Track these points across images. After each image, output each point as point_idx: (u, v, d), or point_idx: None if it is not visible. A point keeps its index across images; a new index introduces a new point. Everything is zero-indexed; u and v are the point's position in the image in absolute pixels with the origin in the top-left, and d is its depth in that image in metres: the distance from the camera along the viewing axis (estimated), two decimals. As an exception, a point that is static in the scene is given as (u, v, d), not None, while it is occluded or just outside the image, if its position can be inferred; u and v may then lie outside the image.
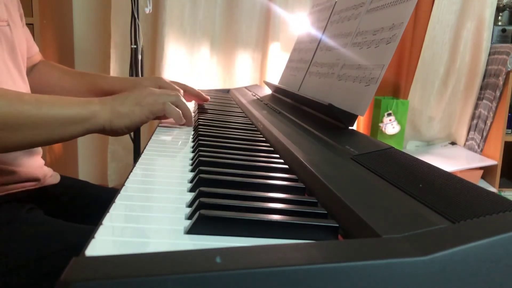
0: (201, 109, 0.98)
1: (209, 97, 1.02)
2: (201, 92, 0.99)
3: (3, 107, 0.58)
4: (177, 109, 0.74)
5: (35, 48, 0.98)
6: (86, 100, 0.66)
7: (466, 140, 2.29)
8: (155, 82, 0.93)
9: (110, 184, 2.04)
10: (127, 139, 1.68)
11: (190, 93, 0.98)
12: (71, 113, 0.64)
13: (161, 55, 1.95)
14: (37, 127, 0.61)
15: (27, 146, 0.65)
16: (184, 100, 0.76)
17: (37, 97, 0.63)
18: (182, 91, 0.88)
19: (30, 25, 1.60)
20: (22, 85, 0.81)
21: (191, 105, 0.80)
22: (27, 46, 0.93)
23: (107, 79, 0.96)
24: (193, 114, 0.82)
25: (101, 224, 0.34)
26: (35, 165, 0.83)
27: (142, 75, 1.58)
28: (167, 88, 0.89)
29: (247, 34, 2.06)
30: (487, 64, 2.16)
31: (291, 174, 0.52)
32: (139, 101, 0.69)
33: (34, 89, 0.93)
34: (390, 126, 2.10)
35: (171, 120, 0.80)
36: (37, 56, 0.99)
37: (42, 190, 0.84)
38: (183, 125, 0.81)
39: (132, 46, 1.53)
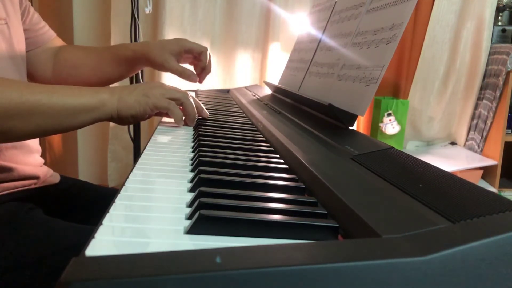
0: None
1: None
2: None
3: (15, 97, 0.59)
4: (180, 111, 0.75)
5: (52, 33, 0.97)
6: (96, 89, 0.68)
7: (466, 140, 2.29)
8: (179, 43, 0.94)
9: (110, 184, 2.04)
10: (127, 139, 1.68)
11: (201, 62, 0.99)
12: (81, 102, 0.65)
13: (161, 55, 1.95)
14: (48, 116, 0.62)
15: (39, 134, 0.66)
16: (191, 100, 0.77)
17: (47, 87, 0.65)
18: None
19: (30, 25, 1.59)
20: None
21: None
22: (41, 32, 0.93)
23: (129, 46, 0.98)
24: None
25: (101, 224, 0.34)
26: (34, 163, 0.83)
27: (142, 75, 1.58)
28: (191, 49, 0.95)
29: (247, 34, 2.06)
30: (487, 64, 2.17)
31: (291, 174, 0.52)
32: (146, 93, 0.70)
33: (60, 74, 0.94)
34: (390, 126, 2.10)
35: (172, 120, 0.80)
36: (56, 41, 0.98)
37: (42, 190, 0.84)
38: (184, 124, 0.81)
39: (132, 46, 1.52)
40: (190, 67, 1.00)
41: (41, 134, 0.66)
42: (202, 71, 0.98)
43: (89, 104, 0.65)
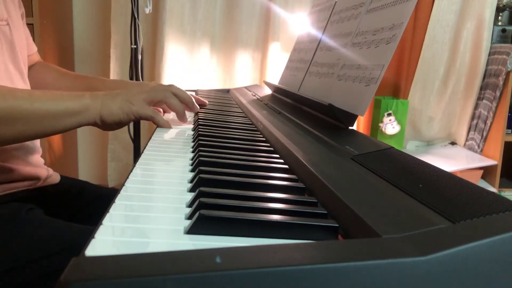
0: (201, 109, 0.98)
1: (207, 102, 1.01)
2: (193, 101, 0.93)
3: None
4: (163, 119, 0.75)
5: (33, 48, 0.98)
6: (78, 94, 0.68)
7: (466, 140, 2.29)
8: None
9: (110, 184, 2.04)
10: (127, 139, 1.68)
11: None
12: (63, 106, 0.65)
13: (161, 55, 1.95)
14: (30, 121, 0.63)
15: (22, 139, 0.66)
16: (174, 98, 0.76)
17: (30, 92, 0.65)
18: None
19: (30, 25, 1.60)
20: (21, 85, 0.81)
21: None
22: (27, 43, 0.93)
23: (105, 82, 0.96)
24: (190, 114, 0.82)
25: (101, 224, 0.34)
26: (34, 164, 0.83)
27: (142, 75, 1.58)
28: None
29: (247, 34, 2.06)
30: (487, 64, 2.16)
31: (291, 174, 0.52)
32: (129, 99, 0.70)
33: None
34: (390, 126, 2.10)
35: (168, 125, 0.78)
36: (35, 56, 0.99)
37: (42, 190, 0.84)
38: (183, 120, 0.80)
39: (132, 46, 1.53)
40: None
41: (24, 139, 0.66)
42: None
43: (71, 109, 0.65)
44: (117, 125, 0.70)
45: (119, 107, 0.69)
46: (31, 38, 0.96)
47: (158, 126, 0.75)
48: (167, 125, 0.76)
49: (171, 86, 0.76)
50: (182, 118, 0.79)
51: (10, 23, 0.79)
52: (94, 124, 0.69)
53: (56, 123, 0.65)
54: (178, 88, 0.77)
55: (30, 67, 0.96)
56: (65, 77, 0.97)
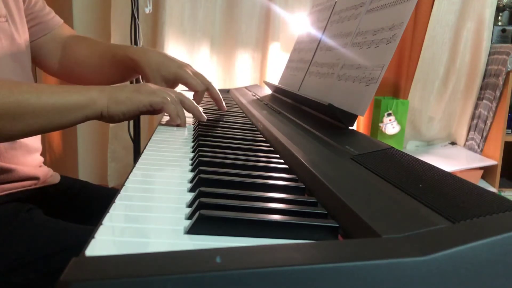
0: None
1: (225, 108, 0.97)
2: (222, 99, 0.94)
3: (4, 96, 0.59)
4: (174, 107, 0.73)
5: (57, 20, 0.94)
6: (85, 87, 0.67)
7: (466, 140, 2.29)
8: (177, 74, 0.90)
9: (110, 184, 2.04)
10: (127, 139, 1.68)
11: (211, 94, 0.93)
12: (70, 100, 0.64)
13: (161, 55, 1.95)
14: (37, 115, 0.62)
15: (28, 134, 0.66)
16: (187, 96, 0.75)
17: (36, 86, 0.64)
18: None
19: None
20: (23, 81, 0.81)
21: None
22: (48, 18, 0.90)
23: (128, 52, 0.92)
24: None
25: (101, 224, 0.34)
26: (34, 163, 0.83)
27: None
28: (187, 84, 0.89)
29: (247, 34, 2.06)
30: (487, 64, 2.17)
31: (291, 174, 0.52)
32: (138, 89, 0.70)
33: (66, 68, 0.93)
34: (390, 126, 2.10)
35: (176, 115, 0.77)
36: (65, 29, 0.95)
37: (42, 190, 0.84)
38: (178, 125, 0.79)
39: (132, 46, 1.53)
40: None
41: (31, 133, 0.66)
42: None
43: (79, 103, 0.65)
44: (123, 115, 0.68)
45: (126, 97, 0.68)
46: (52, 11, 0.93)
47: (168, 113, 0.73)
48: (174, 114, 0.73)
49: (180, 93, 0.75)
50: (200, 116, 0.77)
51: (10, 19, 0.78)
52: (101, 116, 0.67)
53: (63, 117, 0.64)
54: (188, 98, 0.76)
55: (65, 44, 0.93)
56: (96, 52, 0.94)
